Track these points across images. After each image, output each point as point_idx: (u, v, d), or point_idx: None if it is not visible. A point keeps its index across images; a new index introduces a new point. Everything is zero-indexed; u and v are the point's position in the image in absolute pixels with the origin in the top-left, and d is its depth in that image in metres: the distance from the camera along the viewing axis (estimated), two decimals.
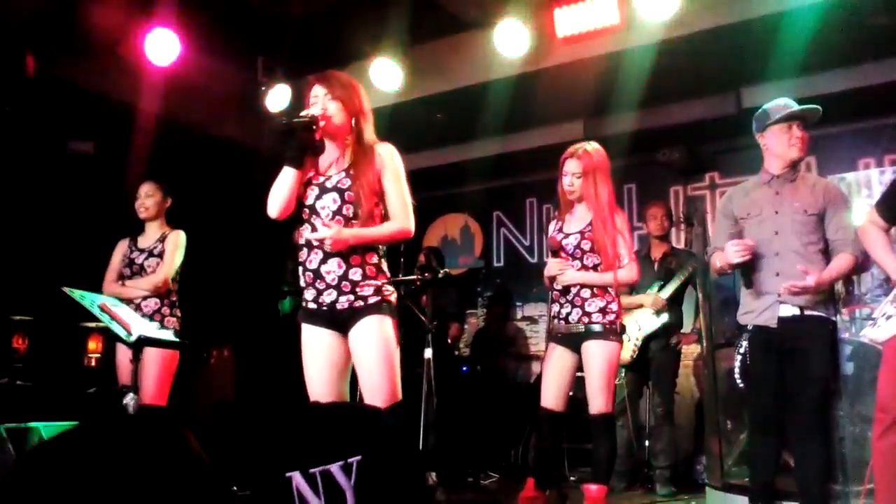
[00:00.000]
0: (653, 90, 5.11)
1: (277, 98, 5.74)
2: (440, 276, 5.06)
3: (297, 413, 2.16)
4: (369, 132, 2.82)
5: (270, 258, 6.71)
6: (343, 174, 2.75)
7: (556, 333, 3.63)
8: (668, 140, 5.91)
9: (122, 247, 4.19)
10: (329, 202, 2.73)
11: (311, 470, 1.91)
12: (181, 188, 4.40)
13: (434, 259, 5.62)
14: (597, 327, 3.52)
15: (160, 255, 4.10)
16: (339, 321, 2.70)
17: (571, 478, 5.12)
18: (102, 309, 3.25)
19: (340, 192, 2.72)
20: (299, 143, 2.71)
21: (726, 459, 4.23)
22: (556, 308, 3.65)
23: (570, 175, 3.66)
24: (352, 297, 2.68)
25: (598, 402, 3.50)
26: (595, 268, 3.58)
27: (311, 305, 2.74)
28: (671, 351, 4.94)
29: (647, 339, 4.88)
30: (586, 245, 3.59)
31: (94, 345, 4.88)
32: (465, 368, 6.08)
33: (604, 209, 3.59)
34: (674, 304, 4.95)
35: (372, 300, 2.68)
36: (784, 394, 3.12)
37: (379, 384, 2.62)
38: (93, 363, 4.89)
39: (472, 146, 6.45)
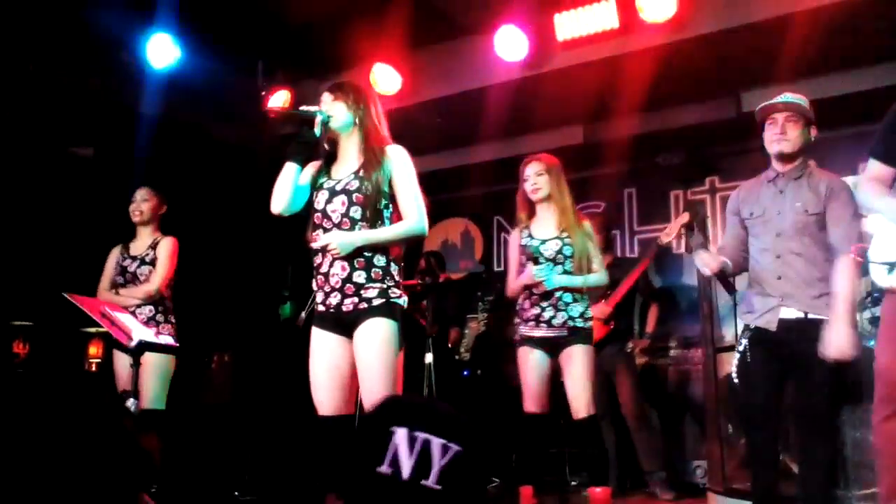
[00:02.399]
0: (652, 94, 5.11)
1: (277, 102, 5.74)
2: (441, 280, 5.06)
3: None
4: (379, 134, 2.81)
5: (271, 263, 6.71)
6: (352, 176, 2.75)
7: (534, 338, 3.63)
8: (667, 144, 5.91)
9: (115, 254, 4.18)
10: (338, 205, 2.73)
11: (417, 433, 2.04)
12: (181, 192, 4.40)
13: (435, 263, 5.61)
14: (578, 332, 3.56)
15: (152, 263, 4.09)
16: (345, 324, 2.69)
17: (573, 482, 5.10)
18: (102, 314, 3.25)
19: (349, 194, 2.72)
20: (300, 137, 2.71)
21: (728, 464, 4.22)
22: (534, 311, 3.63)
23: (534, 175, 3.73)
24: (356, 299, 2.67)
25: (583, 406, 3.53)
26: (571, 273, 3.62)
27: (321, 308, 2.75)
28: (626, 356, 5.02)
29: (600, 346, 4.89)
30: (568, 250, 3.61)
31: (94, 350, 4.88)
32: (465, 373, 6.07)
33: (570, 210, 3.67)
34: (623, 310, 5.04)
35: (376, 302, 2.66)
36: (778, 396, 3.08)
37: (377, 388, 2.61)
38: (93, 368, 4.88)
39: (472, 151, 6.45)
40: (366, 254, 2.70)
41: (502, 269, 7.06)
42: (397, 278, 2.75)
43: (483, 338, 6.80)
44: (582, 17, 4.75)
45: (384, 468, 2.04)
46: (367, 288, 2.68)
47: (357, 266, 2.68)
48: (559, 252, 3.62)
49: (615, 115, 5.60)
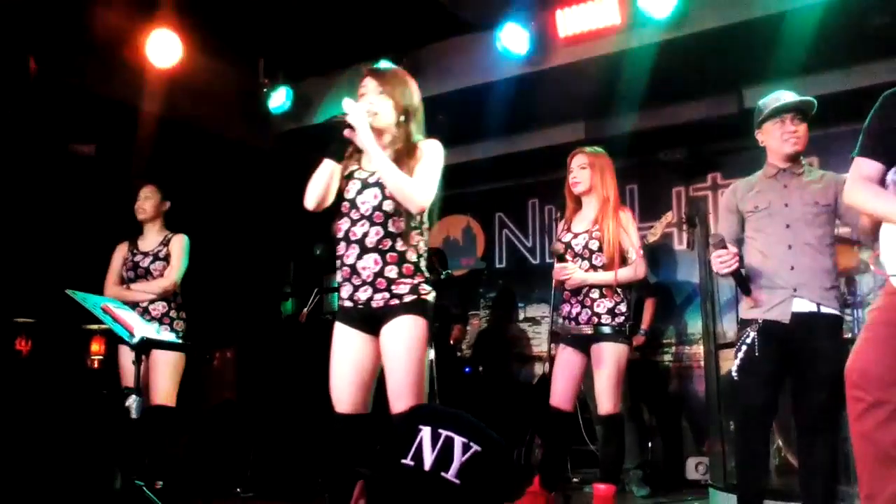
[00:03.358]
0: (654, 90, 5.11)
1: (278, 99, 5.75)
2: (442, 277, 5.06)
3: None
4: (416, 128, 2.79)
5: (273, 259, 6.73)
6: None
7: (566, 335, 3.65)
8: (669, 140, 5.91)
9: (121, 250, 4.19)
10: (370, 197, 2.70)
11: (441, 430, 2.14)
12: (183, 190, 4.41)
13: (436, 260, 5.62)
14: (606, 329, 3.56)
15: (166, 259, 4.11)
16: (374, 320, 2.66)
17: (574, 479, 5.11)
18: (105, 311, 3.25)
19: (381, 187, 2.69)
20: (341, 138, 2.67)
21: (729, 460, 4.22)
22: (566, 308, 3.67)
23: (577, 167, 3.73)
24: (387, 294, 2.63)
25: (607, 403, 3.54)
26: (604, 267, 3.60)
27: (347, 304, 2.71)
28: None
29: None
30: (594, 245, 3.61)
31: (97, 347, 4.90)
32: (467, 369, 6.08)
33: (609, 203, 3.65)
34: None
35: (408, 299, 2.63)
36: (777, 396, 3.07)
37: (404, 385, 2.59)
38: (95, 365, 4.90)
39: (473, 147, 6.45)
40: (398, 249, 2.67)
41: (504, 265, 7.08)
42: (427, 274, 2.73)
43: (485, 334, 6.81)
44: (584, 13, 4.75)
45: (408, 460, 2.12)
46: (399, 283, 2.64)
47: (389, 260, 2.65)
48: (585, 247, 3.63)
49: (617, 111, 5.60)
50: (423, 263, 2.73)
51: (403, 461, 2.11)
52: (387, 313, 2.63)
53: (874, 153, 2.46)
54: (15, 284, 4.70)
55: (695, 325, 5.77)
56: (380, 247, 2.65)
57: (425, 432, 2.13)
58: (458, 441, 2.11)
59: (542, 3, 4.88)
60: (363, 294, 2.65)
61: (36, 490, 3.87)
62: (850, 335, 3.51)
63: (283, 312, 6.87)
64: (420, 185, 2.64)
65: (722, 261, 3.00)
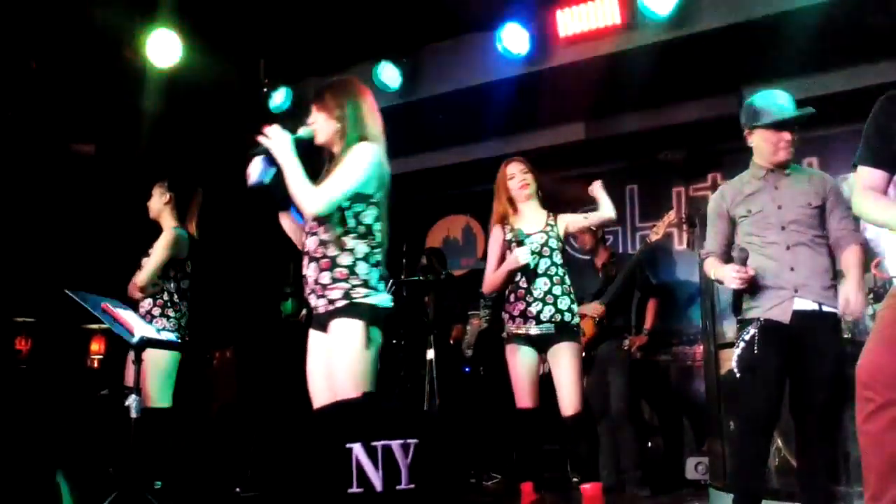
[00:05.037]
0: (654, 90, 5.12)
1: (278, 99, 5.75)
2: (442, 277, 5.06)
3: (361, 401, 2.32)
4: (354, 133, 2.75)
5: (273, 259, 6.72)
6: (324, 176, 2.76)
7: (520, 335, 3.60)
8: (669, 140, 5.91)
9: None
10: None
11: (374, 443, 2.06)
12: (183, 191, 4.40)
13: (436, 260, 5.62)
14: (566, 328, 3.57)
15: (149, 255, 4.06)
16: (322, 325, 2.72)
17: (574, 479, 5.11)
18: (104, 311, 3.25)
19: None
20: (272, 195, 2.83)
21: (729, 460, 4.22)
22: (520, 306, 3.61)
23: (520, 173, 3.76)
24: (325, 300, 2.68)
25: (573, 403, 3.52)
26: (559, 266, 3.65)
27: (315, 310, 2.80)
28: (620, 354, 4.97)
29: (595, 344, 4.89)
30: (554, 243, 3.66)
31: (96, 346, 4.90)
32: (467, 369, 6.07)
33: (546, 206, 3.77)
34: (620, 307, 5.01)
35: (340, 303, 2.65)
36: (780, 398, 3.04)
37: (337, 389, 2.61)
38: (95, 364, 4.90)
39: (473, 147, 6.45)
40: (329, 255, 2.69)
41: None
42: (365, 277, 2.69)
43: (485, 334, 6.79)
44: (584, 13, 4.75)
45: (355, 489, 2.04)
46: (332, 288, 2.67)
47: (323, 267, 2.69)
48: (545, 244, 3.64)
49: (617, 111, 5.61)
50: (361, 266, 2.69)
51: (351, 490, 2.03)
52: (327, 318, 2.68)
53: (876, 161, 2.44)
54: (15, 284, 4.70)
55: (695, 325, 5.76)
56: (316, 255, 2.70)
57: (358, 451, 2.04)
58: (396, 446, 2.05)
59: (543, 3, 4.89)
60: (312, 301, 2.73)
61: (36, 491, 3.86)
62: (848, 335, 3.51)
63: (283, 312, 6.86)
64: (315, 192, 2.66)
65: (738, 276, 3.02)
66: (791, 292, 3.05)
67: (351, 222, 2.71)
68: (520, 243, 3.61)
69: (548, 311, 3.55)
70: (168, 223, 4.08)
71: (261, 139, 2.76)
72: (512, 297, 3.66)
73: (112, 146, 5.28)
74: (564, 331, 3.55)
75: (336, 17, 5.08)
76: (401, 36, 5.24)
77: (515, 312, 3.62)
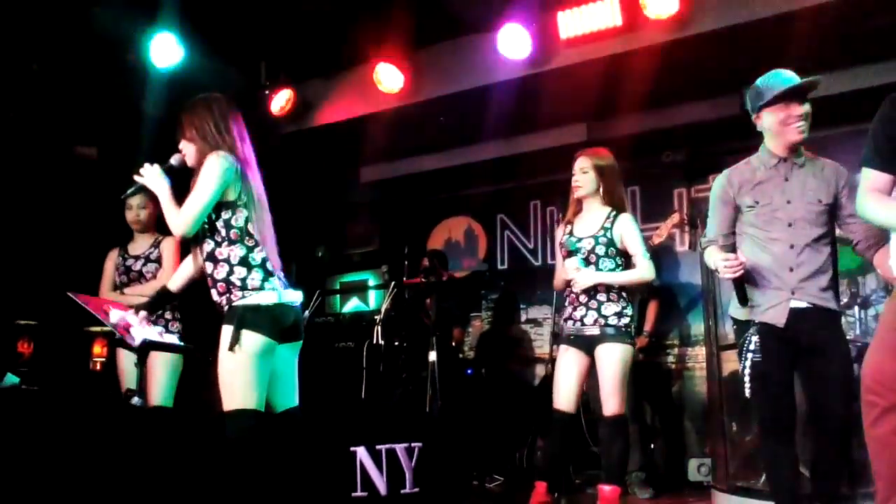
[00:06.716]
0: (656, 92, 5.11)
1: (280, 102, 5.75)
2: (444, 279, 5.06)
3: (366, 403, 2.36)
4: (205, 148, 2.82)
5: None
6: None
7: (569, 335, 3.65)
8: (671, 142, 5.90)
9: (112, 256, 4.18)
10: None
11: (378, 447, 2.07)
12: (184, 191, 4.40)
13: (438, 262, 5.62)
14: (611, 330, 3.57)
15: (158, 261, 4.10)
16: None
17: (577, 480, 5.11)
18: (106, 312, 3.25)
19: None
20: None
21: (732, 461, 4.22)
22: (569, 310, 3.68)
23: (578, 172, 3.74)
24: (220, 309, 2.80)
25: (612, 404, 3.54)
26: (610, 272, 3.62)
27: None
28: None
29: None
30: (601, 250, 3.61)
31: (99, 349, 4.89)
32: (469, 371, 6.07)
33: (614, 206, 3.68)
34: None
35: (225, 310, 2.77)
36: (793, 392, 2.96)
37: (222, 391, 2.74)
38: (98, 367, 4.89)
39: (475, 149, 6.45)
40: (209, 271, 2.80)
41: (506, 267, 7.07)
42: (243, 280, 2.74)
43: (486, 336, 6.80)
44: (585, 15, 4.75)
45: (359, 492, 2.05)
46: (219, 304, 2.80)
47: (209, 283, 2.81)
48: (592, 251, 3.63)
49: (619, 112, 5.60)
50: (239, 271, 2.75)
51: (355, 494, 2.04)
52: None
53: (882, 163, 2.40)
54: (17, 287, 4.70)
55: (697, 327, 5.76)
56: (206, 273, 2.82)
57: (362, 454, 2.06)
58: (400, 449, 2.05)
59: (544, 5, 4.88)
60: None
61: (36, 492, 3.86)
62: (851, 335, 3.49)
63: None
64: (177, 213, 2.76)
65: (729, 265, 2.90)
66: (787, 294, 2.95)
67: (222, 231, 2.78)
68: (569, 252, 3.64)
69: (591, 317, 3.60)
70: (153, 231, 4.17)
71: (135, 177, 2.89)
72: (566, 301, 3.74)
73: (114, 149, 5.28)
74: (609, 334, 3.57)
75: (337, 19, 5.08)
76: (401, 38, 5.24)
77: (565, 315, 3.72)
